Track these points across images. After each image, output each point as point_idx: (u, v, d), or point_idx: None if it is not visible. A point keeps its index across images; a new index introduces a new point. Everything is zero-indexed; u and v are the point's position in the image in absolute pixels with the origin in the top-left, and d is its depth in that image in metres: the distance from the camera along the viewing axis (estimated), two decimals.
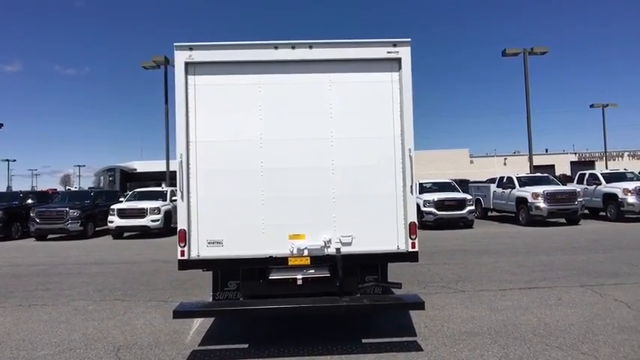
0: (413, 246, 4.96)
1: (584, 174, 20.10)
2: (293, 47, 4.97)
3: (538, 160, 47.12)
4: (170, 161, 24.16)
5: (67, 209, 17.27)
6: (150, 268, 10.41)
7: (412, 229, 4.97)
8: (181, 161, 4.86)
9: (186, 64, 4.93)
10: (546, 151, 67.17)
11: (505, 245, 12.70)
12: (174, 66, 5.03)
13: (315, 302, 4.79)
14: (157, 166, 57.12)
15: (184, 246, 4.86)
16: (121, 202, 18.66)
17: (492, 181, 21.62)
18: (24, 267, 11.25)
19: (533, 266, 9.38)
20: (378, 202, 5.04)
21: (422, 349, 4.93)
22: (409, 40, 5.01)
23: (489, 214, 21.66)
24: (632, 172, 20.10)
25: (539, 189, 17.36)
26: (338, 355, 4.86)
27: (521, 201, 17.90)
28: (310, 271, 4.97)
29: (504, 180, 19.81)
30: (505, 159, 64.43)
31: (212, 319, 6.19)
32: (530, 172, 22.40)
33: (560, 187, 18.25)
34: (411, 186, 4.98)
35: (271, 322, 5.94)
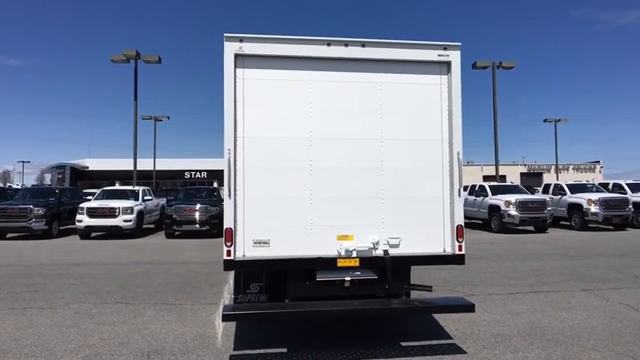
0: (460, 249, 4.98)
1: (550, 184, 21.07)
2: (346, 45, 4.89)
3: (490, 171, 48.95)
4: (139, 160, 23.21)
5: (31, 207, 16.22)
6: (138, 270, 9.93)
7: (459, 232, 4.99)
8: (229, 157, 4.66)
9: (236, 55, 4.74)
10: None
11: (488, 251, 13.04)
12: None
13: (367, 304, 4.71)
14: (112, 164, 55.17)
15: (231, 245, 4.64)
16: (89, 200, 17.75)
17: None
18: None
19: (526, 271, 9.67)
20: (425, 205, 5.02)
21: (465, 352, 4.94)
22: (459, 44, 5.05)
23: None
24: (593, 184, 21.25)
25: (512, 197, 18.00)
26: (384, 358, 4.79)
27: (494, 209, 18.49)
28: (357, 272, 4.88)
29: (476, 188, 20.43)
30: None
31: (232, 323, 5.96)
32: (498, 182, 23.19)
33: (532, 197, 19.02)
34: (459, 189, 5.00)
35: (303, 325, 5.78)
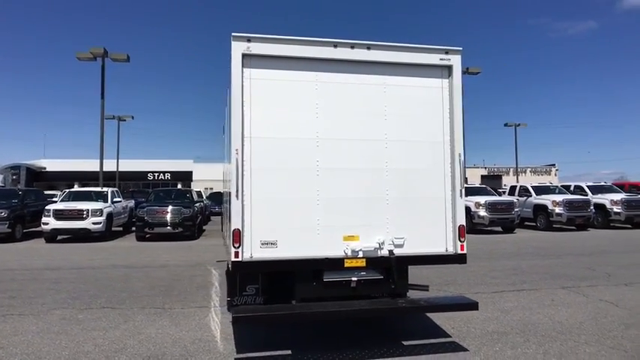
0: (462, 248, 5.10)
1: (516, 186, 21.80)
2: (352, 47, 4.92)
3: None
4: (106, 160, 22.48)
5: None
6: (116, 274, 9.63)
7: (461, 232, 5.10)
8: (237, 158, 4.59)
9: (243, 55, 4.68)
10: None
11: None
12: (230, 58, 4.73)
13: (377, 304, 4.74)
14: (72, 165, 53.17)
15: (239, 247, 4.57)
16: (55, 202, 17.05)
17: None
18: None
19: (504, 270, 9.97)
20: (428, 205, 5.11)
21: (467, 349, 5.05)
22: (460, 49, 5.18)
23: None
24: (556, 186, 22.15)
25: (482, 199, 18.53)
26: (390, 357, 4.84)
27: (465, 210, 18.91)
28: (362, 273, 4.91)
29: None
30: None
31: (228, 325, 5.88)
32: (466, 184, 23.79)
33: (500, 198, 19.64)
34: (461, 190, 5.12)
35: (304, 326, 5.75)
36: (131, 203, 20.55)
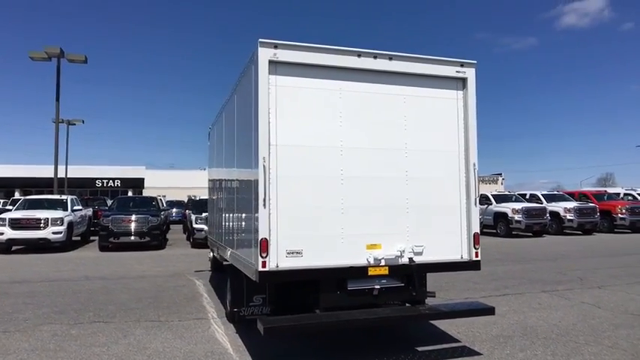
0: (476, 255, 5.26)
1: None
2: (375, 57, 4.99)
3: None
4: (42, 167, 21.37)
5: None
6: (94, 287, 9.17)
7: (476, 239, 5.26)
8: (264, 165, 4.53)
9: (270, 62, 4.65)
10: None
11: None
12: (256, 63, 4.68)
13: (402, 312, 4.80)
14: (13, 171, 50.01)
15: (266, 256, 4.50)
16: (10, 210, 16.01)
17: None
18: None
19: (483, 276, 10.27)
20: (445, 213, 5.24)
21: (480, 353, 5.20)
22: (475, 62, 5.38)
23: None
24: (514, 194, 23.19)
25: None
26: None
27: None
28: (383, 280, 4.96)
29: None
30: None
31: (236, 336, 5.76)
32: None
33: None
34: (475, 198, 5.29)
35: (318, 336, 5.69)
36: (89, 212, 19.64)
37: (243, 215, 5.41)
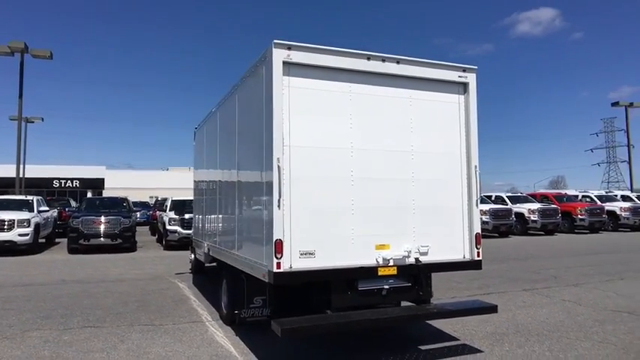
0: (478, 255, 5.42)
1: None
2: (383, 60, 5.07)
3: None
4: (26, 166, 20.41)
5: None
6: (73, 291, 8.84)
7: (478, 239, 5.43)
8: (278, 166, 4.53)
9: (283, 63, 4.65)
10: None
11: None
12: (270, 65, 4.66)
13: (410, 311, 4.89)
14: None
15: (281, 257, 4.49)
16: None
17: None
18: None
19: (463, 275, 10.46)
20: (448, 214, 5.39)
21: (481, 350, 5.36)
22: (476, 67, 5.55)
23: None
24: (481, 196, 23.82)
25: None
26: None
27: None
28: (391, 280, 5.04)
29: None
30: None
31: (237, 339, 5.71)
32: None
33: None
34: (477, 200, 5.45)
35: (322, 337, 5.71)
36: (55, 213, 18.88)
37: (249, 216, 5.38)
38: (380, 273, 4.90)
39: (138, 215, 30.73)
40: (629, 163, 36.14)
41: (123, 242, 15.37)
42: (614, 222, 23.92)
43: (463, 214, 5.47)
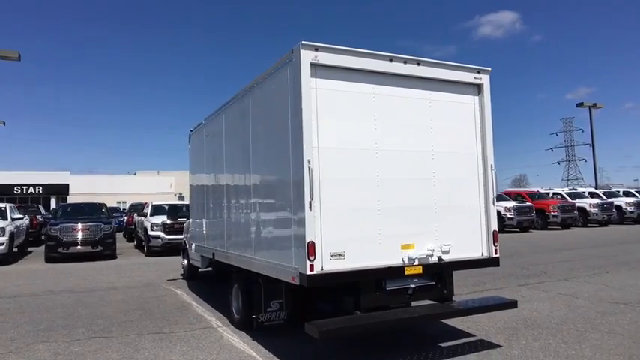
0: (496, 252, 5.54)
1: None
2: (405, 62, 5.13)
3: None
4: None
5: None
6: (68, 300, 8.53)
7: (495, 237, 5.55)
8: (309, 168, 4.50)
9: (311, 64, 4.63)
10: None
11: None
12: (295, 66, 4.63)
13: (439, 309, 4.95)
14: None
15: (314, 260, 4.47)
16: None
17: None
18: None
19: (458, 273, 10.77)
20: (467, 213, 5.48)
21: (500, 345, 5.48)
22: (489, 69, 5.68)
23: None
24: None
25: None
26: (445, 359, 5.07)
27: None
28: (416, 279, 5.10)
29: None
30: None
31: (255, 344, 5.64)
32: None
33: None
34: (493, 198, 5.57)
35: (342, 340, 5.69)
36: (27, 221, 18.14)
37: (271, 219, 5.32)
38: (406, 272, 4.94)
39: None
40: (594, 161, 37.67)
41: (104, 249, 14.91)
42: (584, 218, 24.88)
43: (481, 212, 5.58)
